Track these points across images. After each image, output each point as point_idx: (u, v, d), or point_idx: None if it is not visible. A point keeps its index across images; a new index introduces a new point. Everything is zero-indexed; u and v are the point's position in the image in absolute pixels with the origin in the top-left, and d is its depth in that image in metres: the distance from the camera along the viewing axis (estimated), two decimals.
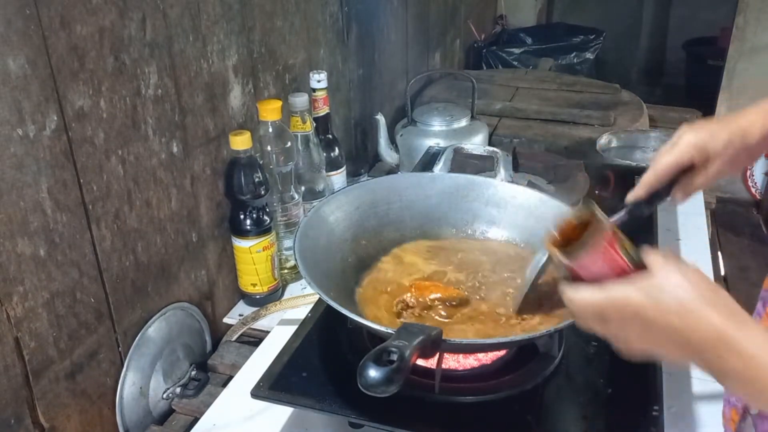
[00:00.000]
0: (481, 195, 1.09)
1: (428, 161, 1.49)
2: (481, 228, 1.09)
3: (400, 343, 0.67)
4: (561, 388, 0.89)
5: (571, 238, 0.67)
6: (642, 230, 1.23)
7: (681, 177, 0.79)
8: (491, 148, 1.39)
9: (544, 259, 0.86)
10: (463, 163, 1.44)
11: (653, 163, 0.80)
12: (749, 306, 0.74)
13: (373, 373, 0.64)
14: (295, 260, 0.89)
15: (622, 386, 0.87)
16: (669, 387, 0.91)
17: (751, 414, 0.76)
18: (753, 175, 2.91)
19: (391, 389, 0.64)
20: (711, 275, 1.26)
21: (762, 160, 2.85)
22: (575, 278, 0.66)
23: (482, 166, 1.40)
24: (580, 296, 0.64)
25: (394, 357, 0.65)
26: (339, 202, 1.03)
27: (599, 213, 0.66)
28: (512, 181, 1.15)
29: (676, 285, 0.59)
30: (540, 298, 0.89)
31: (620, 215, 0.82)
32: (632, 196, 0.82)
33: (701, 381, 1.00)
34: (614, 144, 1.71)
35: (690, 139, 0.77)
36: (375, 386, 0.64)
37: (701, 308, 0.57)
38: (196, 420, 0.98)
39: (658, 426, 0.81)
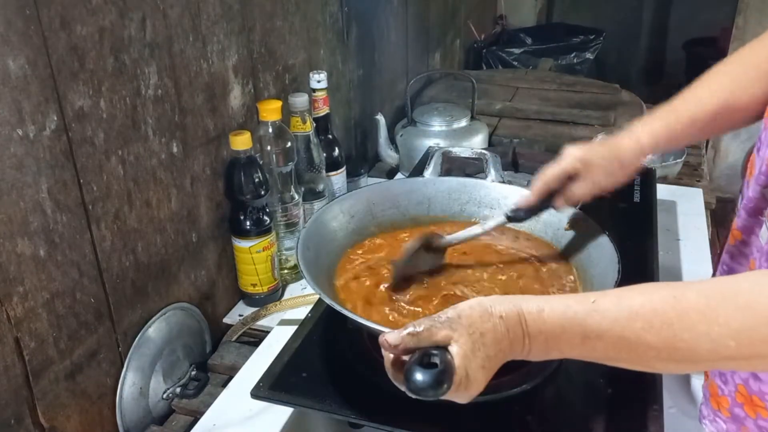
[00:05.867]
0: (474, 196, 1.10)
1: (428, 162, 1.49)
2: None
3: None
4: (561, 388, 0.90)
5: None
6: (642, 231, 1.23)
7: (563, 186, 0.91)
8: (479, 150, 1.40)
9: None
10: (463, 163, 1.44)
11: (540, 174, 0.92)
12: None
13: (421, 376, 0.60)
14: (297, 260, 0.89)
15: (622, 386, 0.87)
16: (669, 387, 0.91)
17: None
18: None
19: (440, 392, 0.60)
20: (711, 275, 1.26)
21: None
22: None
23: (480, 166, 1.40)
24: None
25: (436, 360, 0.61)
26: (334, 212, 1.03)
27: None
28: (503, 181, 1.15)
29: None
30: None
31: (500, 220, 0.96)
32: (525, 202, 0.94)
33: (701, 381, 1.00)
34: None
35: (574, 152, 0.90)
36: (425, 390, 0.60)
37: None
38: (196, 420, 0.98)
39: (658, 426, 0.81)
